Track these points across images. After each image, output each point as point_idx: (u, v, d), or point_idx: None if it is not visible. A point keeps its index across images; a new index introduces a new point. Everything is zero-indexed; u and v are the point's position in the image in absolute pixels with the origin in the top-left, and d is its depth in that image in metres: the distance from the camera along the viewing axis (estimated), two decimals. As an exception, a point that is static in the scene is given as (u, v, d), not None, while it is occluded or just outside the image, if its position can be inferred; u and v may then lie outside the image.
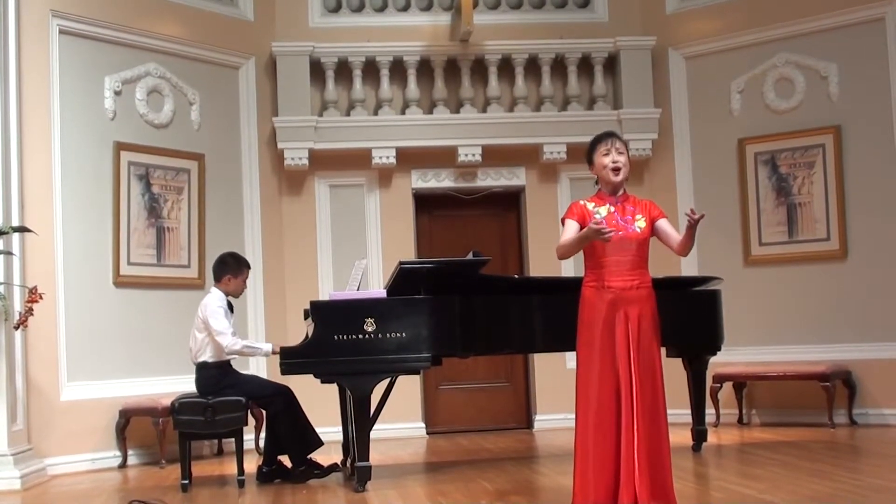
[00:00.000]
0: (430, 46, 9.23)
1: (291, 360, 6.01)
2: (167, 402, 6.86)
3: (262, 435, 7.41)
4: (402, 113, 9.25)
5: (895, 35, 8.30)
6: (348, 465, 6.60)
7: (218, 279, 6.66)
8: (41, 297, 6.42)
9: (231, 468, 6.92)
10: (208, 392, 6.39)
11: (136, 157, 8.07)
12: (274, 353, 6.44)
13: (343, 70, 9.22)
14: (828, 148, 8.59)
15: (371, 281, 8.86)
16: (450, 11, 9.48)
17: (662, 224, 4.53)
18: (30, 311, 6.41)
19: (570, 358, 7.21)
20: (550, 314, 6.33)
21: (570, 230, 4.45)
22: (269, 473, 6.49)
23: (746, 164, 8.95)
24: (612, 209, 4.47)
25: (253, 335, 8.53)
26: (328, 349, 5.93)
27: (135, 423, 7.60)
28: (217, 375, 6.46)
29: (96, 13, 7.82)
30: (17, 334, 6.73)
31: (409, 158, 9.19)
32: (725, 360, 8.03)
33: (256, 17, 9.10)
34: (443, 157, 9.24)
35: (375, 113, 9.24)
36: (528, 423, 9.28)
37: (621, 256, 4.42)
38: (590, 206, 4.50)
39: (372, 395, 6.00)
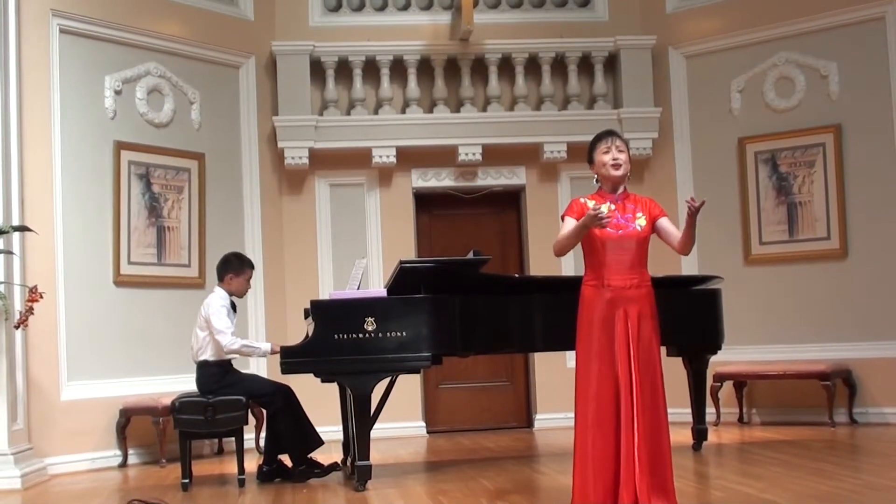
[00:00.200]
0: (430, 46, 9.24)
1: (292, 359, 6.01)
2: (167, 401, 6.86)
3: (263, 434, 7.42)
4: (403, 112, 9.25)
5: (896, 34, 8.32)
6: (349, 464, 6.60)
7: (220, 278, 6.66)
8: (41, 297, 6.42)
9: (231, 467, 6.92)
10: (208, 391, 6.39)
11: (137, 157, 8.07)
12: (273, 352, 6.45)
13: (343, 69, 9.22)
14: (828, 147, 8.59)
15: (371, 280, 8.87)
16: (450, 11, 9.48)
17: (663, 223, 4.53)
18: (30, 311, 6.41)
19: (571, 357, 7.20)
20: (550, 313, 6.33)
21: (569, 227, 4.45)
22: (270, 473, 6.48)
23: (746, 163, 8.95)
24: (613, 207, 4.46)
25: (253, 334, 8.53)
26: (328, 348, 5.93)
27: (135, 422, 7.60)
28: (217, 374, 6.46)
29: (96, 12, 7.82)
30: (18, 333, 6.73)
31: (410, 158, 9.19)
32: (726, 359, 8.04)
33: (257, 16, 9.10)
34: (443, 157, 9.25)
35: (375, 112, 9.24)
36: (529, 423, 9.29)
37: (621, 255, 4.42)
38: (590, 203, 4.49)
39: (372, 395, 6.00)
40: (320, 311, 6.07)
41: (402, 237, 9.16)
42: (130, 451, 7.65)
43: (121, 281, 7.86)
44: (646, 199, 4.59)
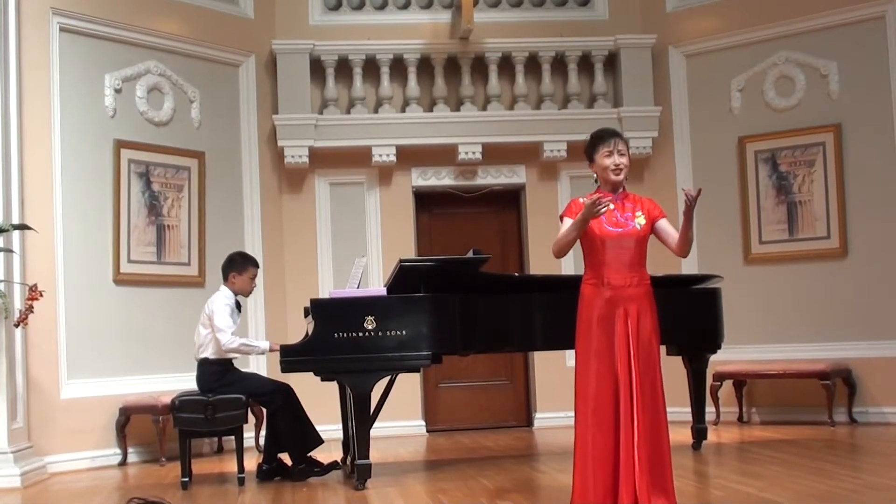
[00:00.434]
0: (430, 44, 9.23)
1: (292, 357, 6.01)
2: (167, 399, 6.87)
3: (263, 433, 7.42)
4: (403, 111, 9.25)
5: (896, 33, 8.32)
6: (348, 462, 6.60)
7: (224, 277, 6.67)
8: (41, 295, 6.42)
9: (231, 466, 6.92)
10: (208, 388, 6.40)
11: (137, 155, 8.07)
12: (272, 350, 6.45)
13: (343, 68, 9.22)
14: (828, 146, 8.59)
15: (371, 279, 8.86)
16: (450, 9, 9.48)
17: (663, 224, 4.52)
18: (30, 309, 6.42)
19: (570, 356, 7.22)
20: (550, 312, 6.34)
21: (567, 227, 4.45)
22: (269, 471, 6.49)
23: (746, 162, 8.95)
24: (612, 206, 4.46)
25: (253, 333, 8.53)
26: (328, 347, 5.93)
27: (135, 420, 7.60)
28: (218, 372, 6.46)
29: (96, 11, 7.82)
30: (18, 332, 6.73)
31: (410, 156, 9.19)
32: (725, 358, 8.04)
33: (257, 14, 9.10)
34: (443, 155, 9.24)
35: (375, 111, 9.24)
36: (528, 421, 9.29)
37: (620, 254, 4.41)
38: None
39: (372, 393, 6.00)
40: (320, 309, 6.07)
41: (401, 236, 9.16)
42: (130, 450, 7.65)
43: (121, 279, 7.86)
44: (645, 200, 4.59)
